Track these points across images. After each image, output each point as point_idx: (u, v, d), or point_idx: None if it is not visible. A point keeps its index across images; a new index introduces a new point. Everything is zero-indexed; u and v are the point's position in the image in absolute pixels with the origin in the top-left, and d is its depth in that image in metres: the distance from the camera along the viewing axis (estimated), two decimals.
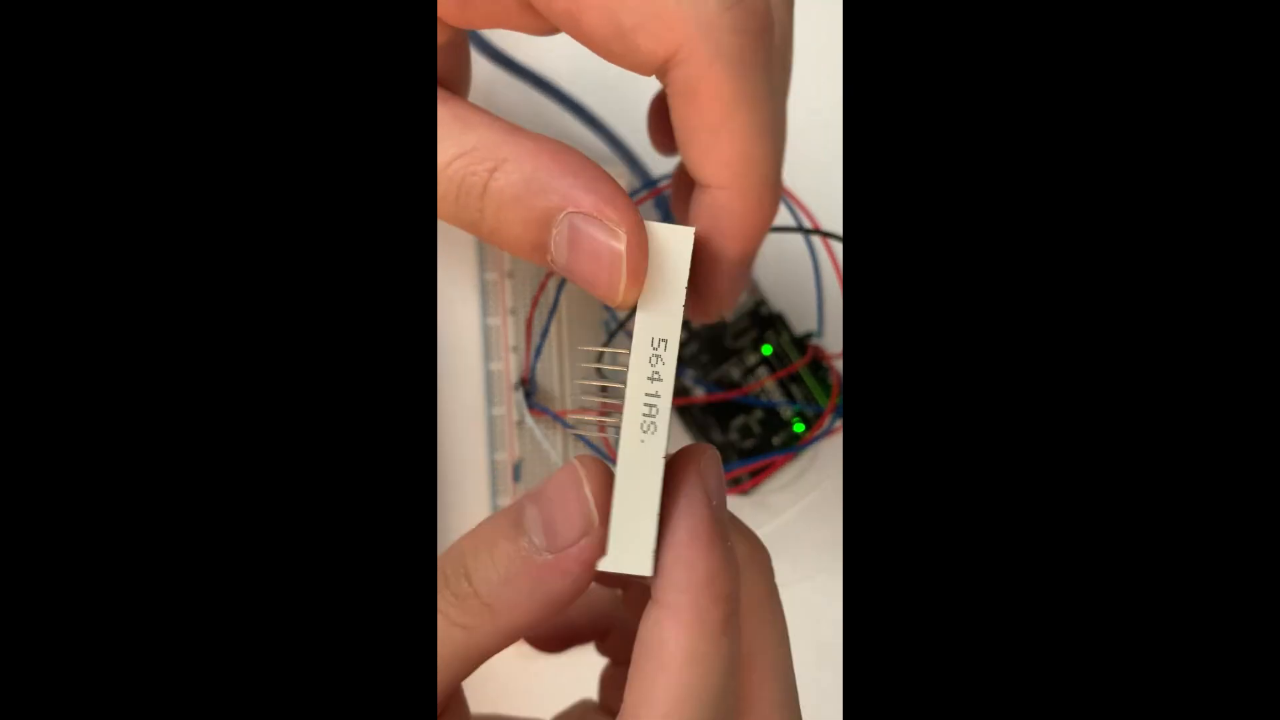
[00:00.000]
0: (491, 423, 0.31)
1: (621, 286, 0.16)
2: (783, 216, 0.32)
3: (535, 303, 0.31)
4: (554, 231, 0.16)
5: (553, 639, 0.25)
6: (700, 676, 0.16)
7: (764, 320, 0.34)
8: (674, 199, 0.23)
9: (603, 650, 0.25)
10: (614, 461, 0.17)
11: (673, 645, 0.16)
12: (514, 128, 0.17)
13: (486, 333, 0.32)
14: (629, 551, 0.16)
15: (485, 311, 0.32)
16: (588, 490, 0.16)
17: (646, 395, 0.16)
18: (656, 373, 0.16)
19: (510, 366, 0.31)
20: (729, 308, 0.19)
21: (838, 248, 0.32)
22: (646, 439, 0.16)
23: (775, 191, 0.17)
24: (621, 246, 0.16)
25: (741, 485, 0.34)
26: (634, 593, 0.23)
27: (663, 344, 0.16)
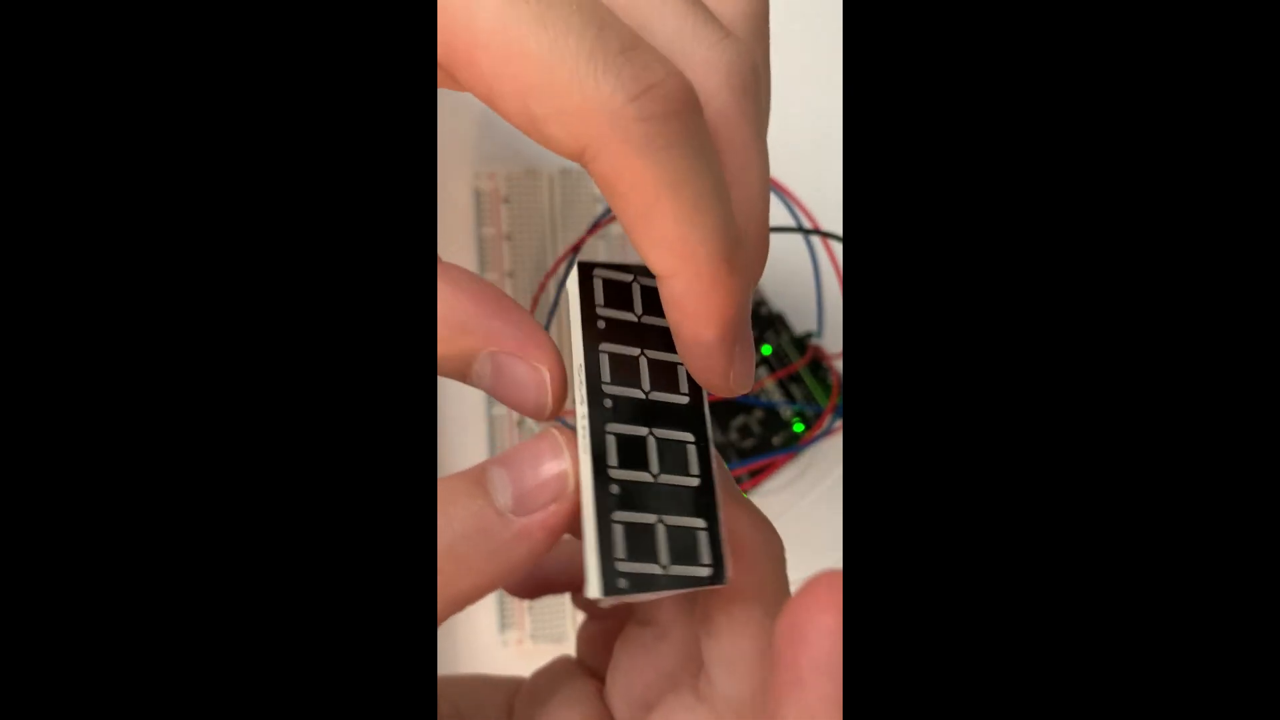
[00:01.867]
0: (491, 423, 0.31)
1: (549, 411, 0.17)
2: (782, 216, 0.32)
3: (535, 302, 0.31)
4: (475, 366, 0.17)
5: (525, 584, 0.24)
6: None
7: (764, 320, 0.34)
8: None
9: (579, 603, 0.24)
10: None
11: None
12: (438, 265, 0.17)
13: None
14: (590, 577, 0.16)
15: None
16: (563, 448, 0.16)
17: (580, 418, 0.17)
18: (581, 395, 0.17)
19: None
20: (737, 383, 0.18)
21: (838, 248, 0.32)
22: (582, 457, 0.16)
23: (734, 263, 0.16)
24: (546, 379, 0.17)
25: (742, 485, 0.34)
26: None
27: (579, 369, 0.17)
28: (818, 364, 0.34)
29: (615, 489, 0.16)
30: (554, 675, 0.22)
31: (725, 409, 0.34)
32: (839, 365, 0.34)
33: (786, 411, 0.34)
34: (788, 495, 0.34)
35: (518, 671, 0.23)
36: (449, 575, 0.16)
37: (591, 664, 0.22)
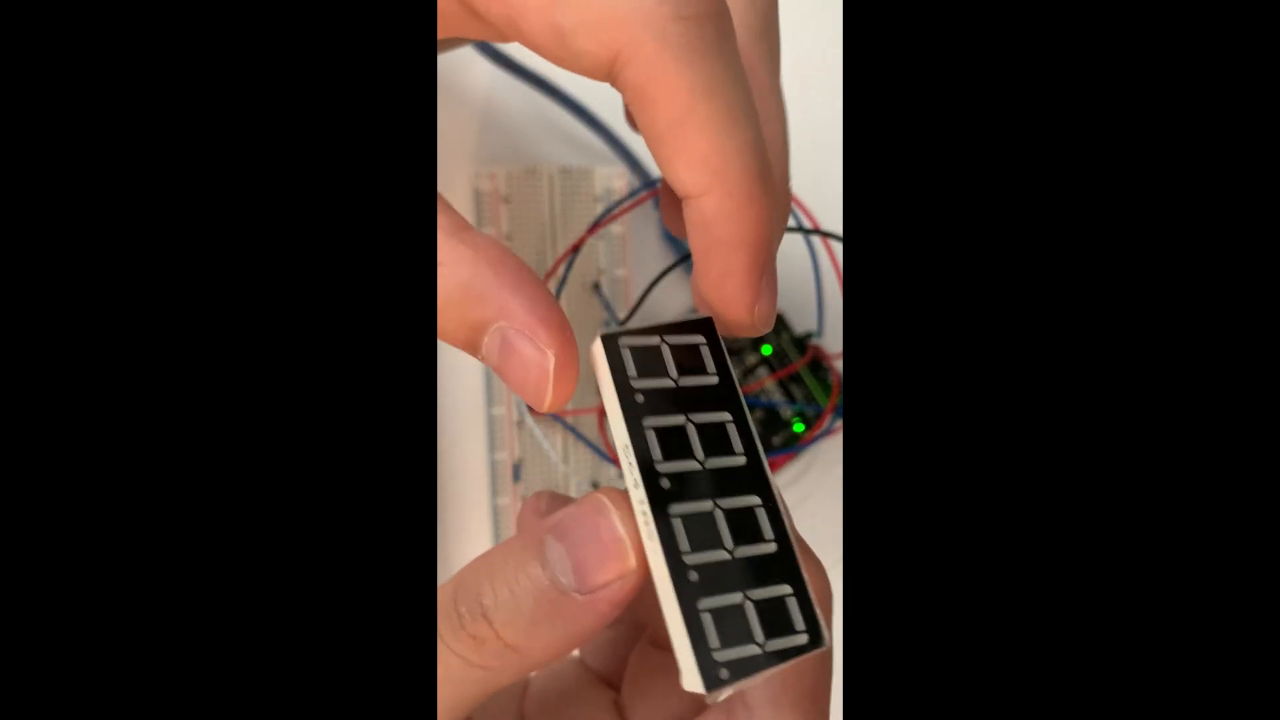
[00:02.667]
0: (491, 422, 0.31)
1: (547, 400, 0.16)
2: None
3: None
4: (486, 339, 0.16)
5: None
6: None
7: None
8: (664, 214, 0.22)
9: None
10: (608, 459, 0.16)
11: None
12: (460, 228, 0.16)
13: None
14: (685, 670, 0.15)
15: None
16: (617, 523, 0.16)
17: (638, 504, 0.16)
18: (635, 479, 0.16)
19: None
20: (761, 319, 0.17)
21: (838, 248, 0.32)
22: (650, 545, 0.15)
23: (767, 184, 0.16)
24: (549, 365, 0.16)
25: None
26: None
27: (626, 450, 0.16)
28: (818, 364, 0.34)
29: (694, 575, 0.15)
30: (564, 681, 0.22)
31: None
32: (839, 365, 0.34)
33: (786, 411, 0.34)
34: (788, 495, 0.34)
35: None
36: (528, 654, 0.16)
37: (598, 668, 0.22)
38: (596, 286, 0.33)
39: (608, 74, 0.15)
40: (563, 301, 0.32)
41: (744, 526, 0.16)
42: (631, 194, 0.32)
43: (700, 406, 0.17)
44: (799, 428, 0.33)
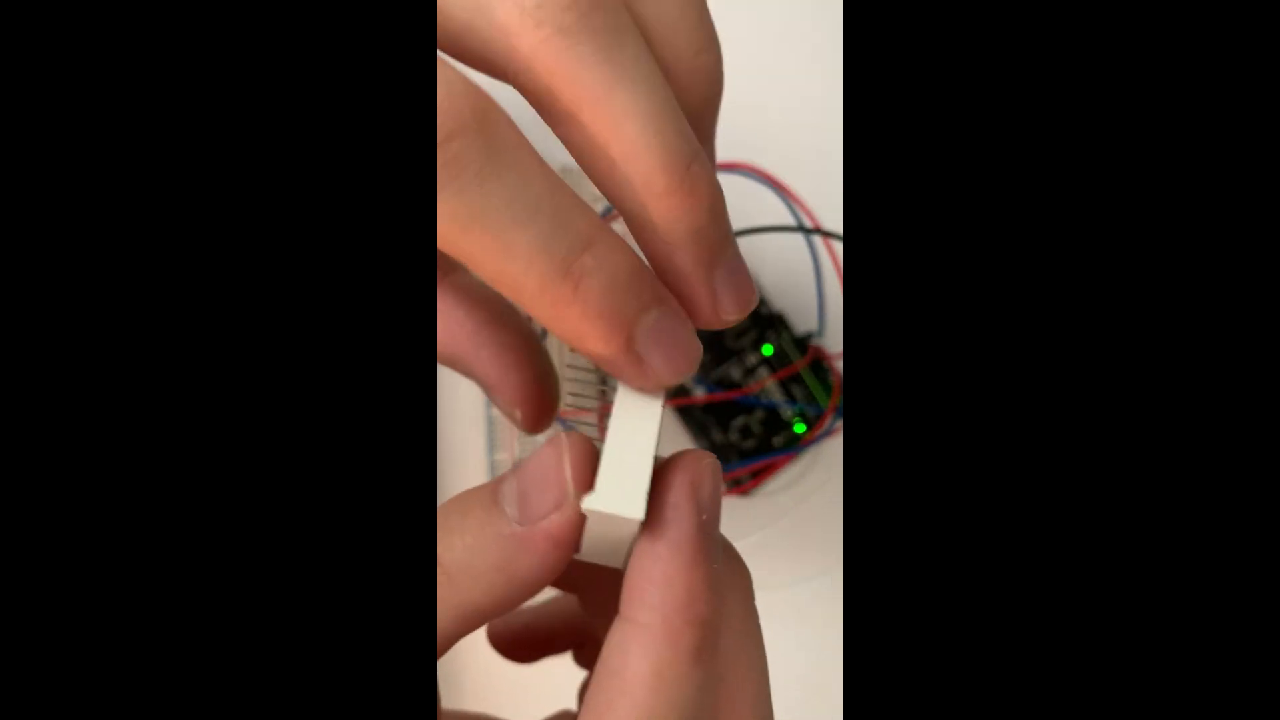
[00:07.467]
0: (491, 423, 0.31)
1: (529, 432, 0.18)
2: (783, 216, 0.32)
3: None
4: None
5: (523, 645, 0.24)
6: (665, 706, 0.14)
7: (764, 320, 0.34)
8: None
9: (580, 661, 0.24)
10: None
11: (637, 667, 0.14)
12: (445, 270, 0.17)
13: None
14: (619, 492, 0.15)
15: None
16: (567, 463, 0.16)
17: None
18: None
19: None
20: (726, 310, 0.16)
21: (838, 248, 0.32)
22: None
23: (683, 159, 0.14)
24: (519, 419, 0.18)
25: (742, 486, 0.34)
26: (594, 596, 0.22)
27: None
28: (818, 364, 0.34)
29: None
30: None
31: (726, 410, 0.34)
32: (839, 365, 0.34)
33: (787, 412, 0.34)
34: (789, 496, 0.34)
35: (522, 696, 0.22)
36: (460, 586, 0.16)
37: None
38: None
39: (512, 80, 0.15)
40: None
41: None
42: None
43: None
44: (800, 428, 0.33)
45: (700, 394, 0.33)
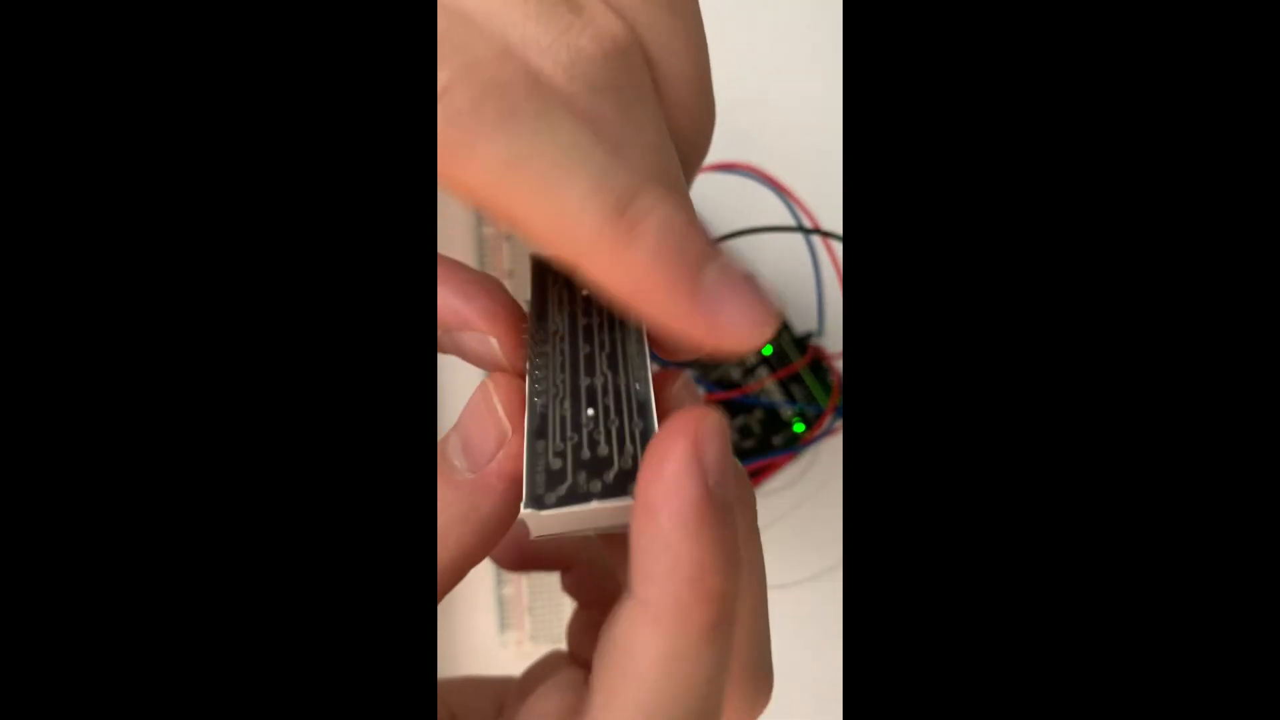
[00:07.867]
0: None
1: (509, 366, 0.17)
2: (783, 216, 0.32)
3: None
4: (440, 338, 0.17)
5: (511, 556, 0.24)
6: (677, 689, 0.14)
7: None
8: None
9: (567, 587, 0.24)
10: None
11: (646, 651, 0.14)
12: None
13: None
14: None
15: None
16: (498, 402, 0.16)
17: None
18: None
19: None
20: (728, 335, 0.14)
21: (837, 248, 0.32)
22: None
23: (626, 223, 0.13)
24: (494, 345, 0.17)
25: None
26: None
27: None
28: (818, 364, 0.34)
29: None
30: (544, 667, 0.22)
31: (725, 410, 0.34)
32: (839, 365, 0.34)
33: (787, 412, 0.34)
34: (788, 496, 0.34)
35: (517, 672, 0.23)
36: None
37: (581, 655, 0.22)
38: None
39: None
40: None
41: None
42: None
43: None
44: (799, 428, 0.33)
45: (700, 394, 0.33)
